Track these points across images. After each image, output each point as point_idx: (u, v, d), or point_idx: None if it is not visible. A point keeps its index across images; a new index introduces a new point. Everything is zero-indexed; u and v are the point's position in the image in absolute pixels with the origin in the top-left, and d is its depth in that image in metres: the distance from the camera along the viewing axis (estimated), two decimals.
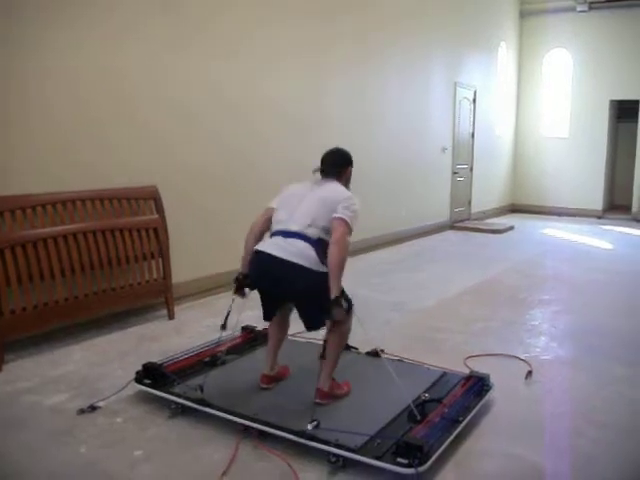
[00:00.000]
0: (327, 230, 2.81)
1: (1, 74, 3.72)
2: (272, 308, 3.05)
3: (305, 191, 2.97)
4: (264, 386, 3.11)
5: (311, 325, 2.90)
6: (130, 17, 4.47)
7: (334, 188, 2.94)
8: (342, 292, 2.72)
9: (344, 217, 2.78)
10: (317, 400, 2.86)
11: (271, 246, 2.84)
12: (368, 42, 7.40)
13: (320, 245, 2.80)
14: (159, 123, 4.80)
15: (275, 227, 2.93)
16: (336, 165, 3.06)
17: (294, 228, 2.83)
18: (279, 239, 2.85)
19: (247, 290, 3.05)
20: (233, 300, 3.01)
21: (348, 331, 2.95)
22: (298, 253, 2.76)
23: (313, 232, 2.81)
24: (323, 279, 2.69)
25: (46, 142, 4.01)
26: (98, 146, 4.34)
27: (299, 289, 2.80)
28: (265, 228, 3.03)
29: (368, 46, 7.41)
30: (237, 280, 3.02)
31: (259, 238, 3.00)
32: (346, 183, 3.07)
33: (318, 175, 3.06)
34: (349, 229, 2.79)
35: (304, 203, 2.89)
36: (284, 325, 3.18)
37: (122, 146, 4.51)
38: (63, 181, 4.08)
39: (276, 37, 5.86)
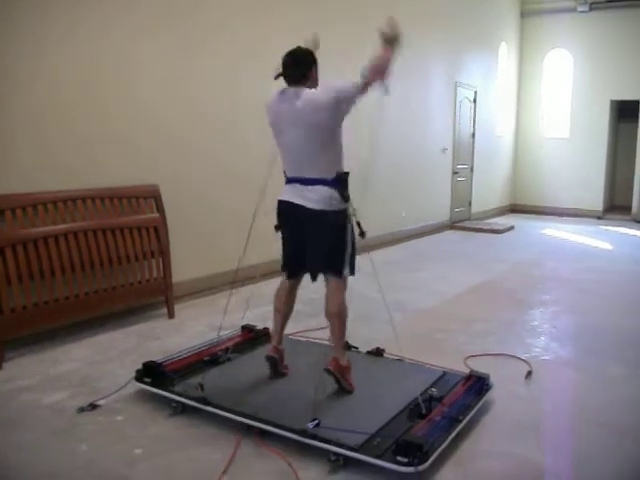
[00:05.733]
0: (332, 147, 2.86)
1: (15, 71, 3.74)
2: (294, 260, 3.08)
3: (287, 113, 2.84)
4: (272, 355, 3.13)
5: (318, 265, 2.95)
6: (142, 21, 4.53)
7: (307, 100, 2.79)
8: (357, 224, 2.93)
9: (343, 86, 2.79)
10: (329, 367, 2.90)
11: (291, 194, 2.92)
12: (368, 42, 7.37)
13: (338, 181, 2.85)
14: (167, 121, 4.84)
15: (288, 173, 2.97)
16: (300, 66, 2.88)
17: (308, 174, 2.87)
18: (297, 187, 2.90)
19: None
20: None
21: (345, 304, 2.99)
22: (319, 199, 2.82)
23: (326, 168, 2.84)
24: (341, 220, 2.86)
25: (58, 139, 4.07)
26: (106, 143, 4.37)
27: (318, 228, 2.87)
28: None
29: (367, 46, 7.38)
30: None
31: None
32: (313, 86, 2.92)
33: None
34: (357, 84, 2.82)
35: (298, 138, 2.83)
36: (291, 299, 3.20)
37: (129, 144, 4.54)
38: (74, 178, 4.13)
39: (269, 35, 5.87)
